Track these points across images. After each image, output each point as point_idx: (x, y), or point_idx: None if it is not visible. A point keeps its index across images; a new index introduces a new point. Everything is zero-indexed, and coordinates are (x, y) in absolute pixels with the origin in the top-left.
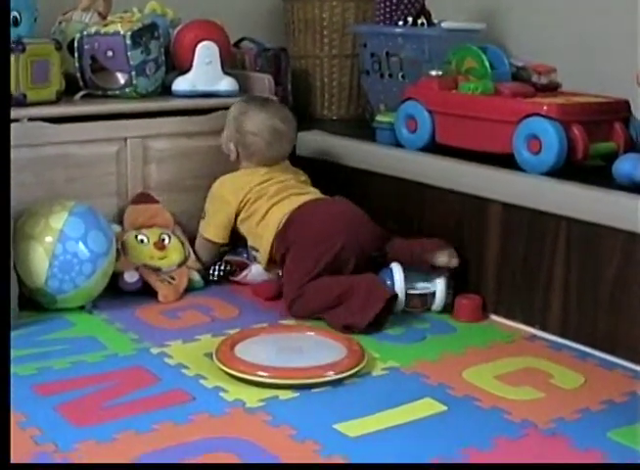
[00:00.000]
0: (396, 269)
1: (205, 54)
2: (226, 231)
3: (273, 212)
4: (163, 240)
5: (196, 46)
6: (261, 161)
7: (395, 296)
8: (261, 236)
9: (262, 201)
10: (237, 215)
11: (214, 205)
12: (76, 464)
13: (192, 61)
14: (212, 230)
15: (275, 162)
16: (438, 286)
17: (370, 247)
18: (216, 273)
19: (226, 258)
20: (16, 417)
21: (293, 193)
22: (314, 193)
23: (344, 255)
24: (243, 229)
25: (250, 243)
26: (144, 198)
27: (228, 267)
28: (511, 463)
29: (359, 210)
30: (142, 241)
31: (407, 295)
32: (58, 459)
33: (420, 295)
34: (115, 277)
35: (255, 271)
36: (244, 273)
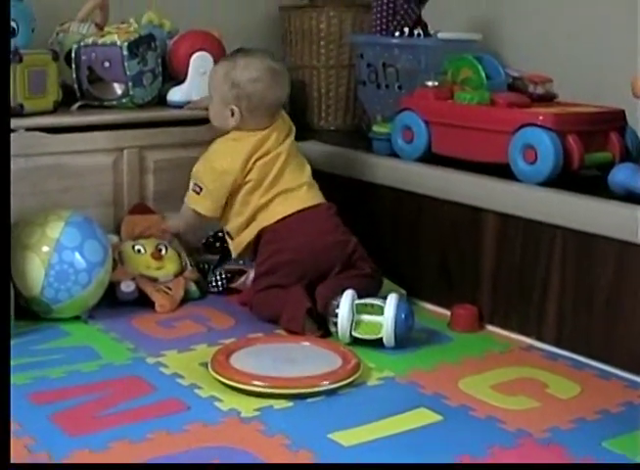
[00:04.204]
0: (346, 298)
1: (200, 64)
2: (223, 204)
3: (260, 218)
4: (160, 250)
5: (190, 57)
6: (265, 112)
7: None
8: (241, 230)
9: (255, 194)
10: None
11: (211, 176)
12: (76, 464)
13: (187, 71)
14: (210, 205)
15: (277, 109)
16: (387, 316)
17: (334, 267)
18: (219, 283)
19: (224, 267)
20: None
21: (283, 190)
22: (305, 186)
23: (309, 277)
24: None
25: (226, 226)
26: (141, 208)
27: (229, 275)
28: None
29: (332, 230)
30: (139, 251)
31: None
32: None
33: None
34: (112, 287)
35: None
36: (242, 279)
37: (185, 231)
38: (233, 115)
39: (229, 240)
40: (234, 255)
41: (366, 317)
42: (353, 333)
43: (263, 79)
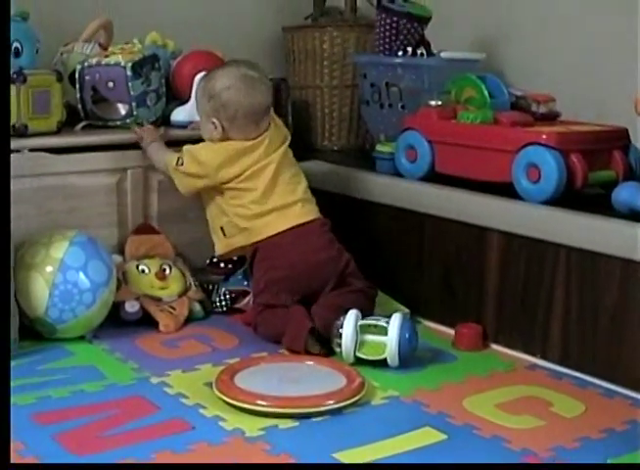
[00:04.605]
0: (349, 318)
1: None
2: (190, 190)
3: (254, 228)
4: (164, 270)
5: (194, 77)
6: (246, 121)
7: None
8: (235, 232)
9: (251, 202)
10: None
11: (192, 163)
12: (77, 464)
13: (190, 91)
14: (179, 182)
15: (260, 117)
16: (391, 336)
17: (328, 283)
18: (223, 303)
19: (228, 288)
20: (15, 445)
21: (279, 206)
22: (300, 203)
23: (302, 293)
24: (216, 201)
25: (222, 220)
26: (145, 228)
27: (233, 296)
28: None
29: (326, 247)
30: (143, 271)
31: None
32: None
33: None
34: (116, 307)
35: None
36: (246, 300)
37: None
38: (216, 127)
39: (220, 236)
40: (217, 253)
41: (370, 337)
42: (357, 353)
43: (237, 86)
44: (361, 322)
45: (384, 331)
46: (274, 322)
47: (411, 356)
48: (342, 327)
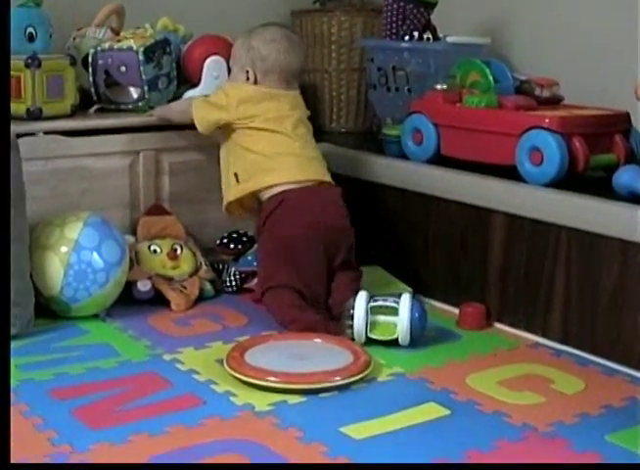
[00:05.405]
0: (360, 300)
1: (213, 68)
2: (213, 121)
3: (270, 170)
4: (176, 250)
5: (204, 61)
6: (278, 77)
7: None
8: (249, 176)
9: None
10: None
11: (218, 94)
12: (76, 464)
13: (201, 75)
14: (204, 112)
15: (292, 77)
16: (402, 317)
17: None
18: (233, 283)
19: (238, 269)
20: (33, 420)
21: (295, 153)
22: (314, 162)
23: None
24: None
25: (237, 165)
26: (157, 210)
27: (243, 276)
28: (510, 463)
29: (339, 210)
30: (155, 251)
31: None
32: (73, 460)
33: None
34: (129, 286)
35: None
36: (255, 280)
37: (169, 121)
38: (248, 78)
39: (233, 182)
40: (226, 200)
41: (381, 318)
42: (369, 334)
43: (279, 41)
44: (371, 304)
45: (393, 311)
46: (286, 313)
47: (421, 335)
48: (352, 308)
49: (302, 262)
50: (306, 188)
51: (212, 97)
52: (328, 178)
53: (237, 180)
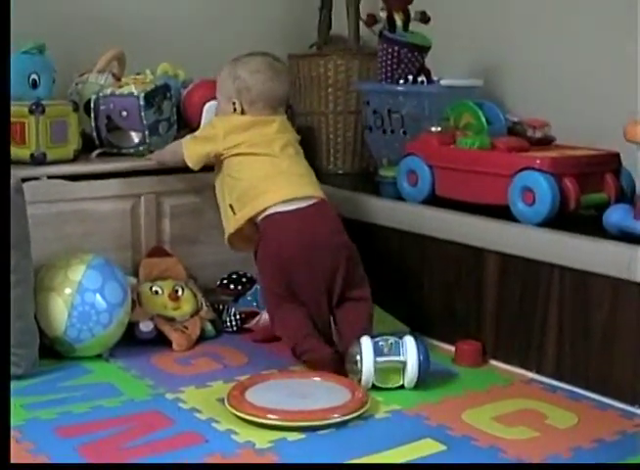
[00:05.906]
0: (365, 344)
1: (212, 112)
2: (203, 155)
3: (262, 195)
4: (177, 291)
5: (203, 105)
6: (264, 105)
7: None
8: (243, 204)
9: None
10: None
11: (206, 129)
12: (75, 464)
13: (200, 119)
14: (194, 148)
15: (278, 104)
16: (409, 357)
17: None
18: (233, 323)
19: (238, 309)
20: (39, 458)
21: (284, 171)
22: (305, 179)
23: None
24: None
25: (232, 196)
26: (158, 251)
27: (243, 316)
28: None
29: (334, 225)
30: (157, 292)
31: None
32: None
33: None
34: (131, 326)
35: (266, 317)
36: (255, 320)
37: (165, 164)
38: (235, 109)
39: (230, 215)
40: (227, 233)
41: (385, 366)
42: (375, 383)
43: (263, 71)
44: (377, 359)
45: (396, 352)
46: (289, 330)
47: (425, 376)
48: (358, 356)
49: (301, 289)
50: (298, 208)
51: (200, 132)
52: (320, 194)
53: (233, 212)
